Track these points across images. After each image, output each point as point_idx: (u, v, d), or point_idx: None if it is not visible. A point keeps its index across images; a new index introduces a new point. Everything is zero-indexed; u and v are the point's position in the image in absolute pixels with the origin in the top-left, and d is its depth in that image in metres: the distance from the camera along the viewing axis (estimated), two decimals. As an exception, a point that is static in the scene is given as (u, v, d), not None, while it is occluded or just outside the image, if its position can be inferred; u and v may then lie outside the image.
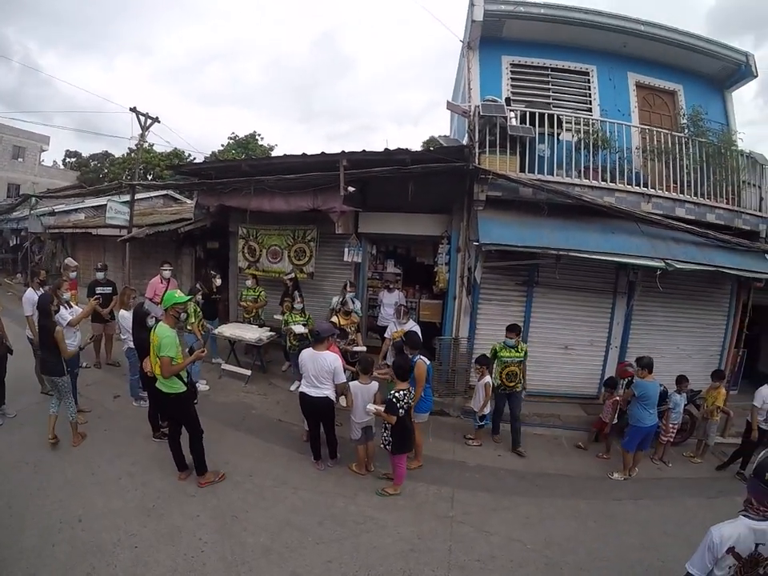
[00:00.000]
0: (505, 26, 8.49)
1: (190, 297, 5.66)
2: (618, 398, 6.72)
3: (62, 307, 5.92)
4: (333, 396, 5.33)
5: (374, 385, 5.41)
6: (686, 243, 7.47)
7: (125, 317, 6.62)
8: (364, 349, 7.25)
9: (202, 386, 7.62)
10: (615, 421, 6.68)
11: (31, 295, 6.80)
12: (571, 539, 4.60)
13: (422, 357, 5.71)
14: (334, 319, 7.20)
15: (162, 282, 8.56)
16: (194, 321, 7.47)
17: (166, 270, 8.63)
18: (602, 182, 7.49)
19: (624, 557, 4.39)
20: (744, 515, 2.48)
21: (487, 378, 6.42)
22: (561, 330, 7.94)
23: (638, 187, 7.60)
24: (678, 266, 6.89)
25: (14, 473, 4.98)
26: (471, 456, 6.28)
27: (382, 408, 4.97)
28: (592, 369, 8.05)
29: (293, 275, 8.86)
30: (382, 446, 5.14)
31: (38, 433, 5.76)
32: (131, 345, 6.47)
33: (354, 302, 7.81)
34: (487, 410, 6.51)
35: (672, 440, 6.64)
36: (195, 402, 5.01)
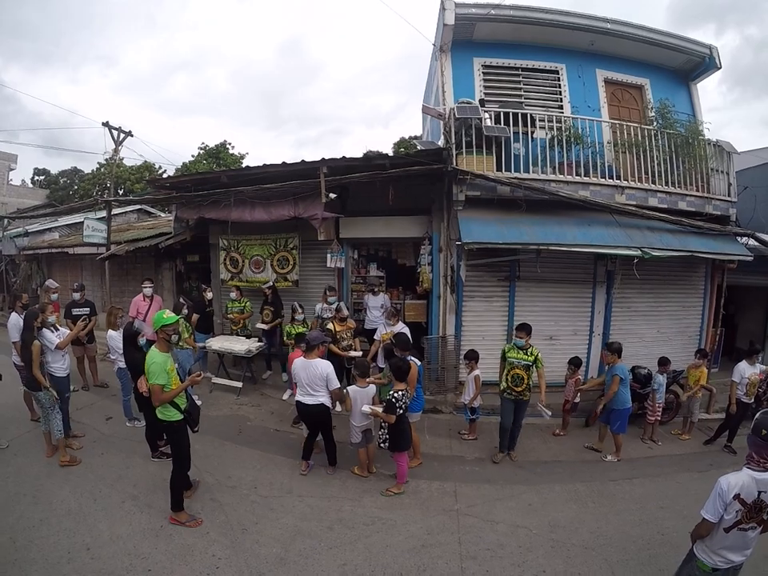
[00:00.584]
0: (476, 28, 8.66)
1: (179, 316, 5.42)
2: (579, 377, 7.11)
3: (47, 330, 5.82)
4: (328, 402, 5.33)
5: (372, 388, 5.47)
6: (660, 231, 7.75)
7: (113, 337, 6.47)
8: (360, 354, 7.23)
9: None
10: (578, 400, 7.07)
11: (16, 320, 6.59)
12: (574, 521, 4.77)
13: (412, 358, 5.73)
14: (330, 326, 7.22)
15: (144, 300, 8.42)
16: (186, 335, 7.39)
17: (147, 287, 8.47)
18: (577, 177, 7.74)
19: (625, 533, 4.57)
20: (747, 467, 2.78)
21: (476, 371, 6.46)
22: (544, 321, 8.05)
23: (611, 180, 7.84)
24: (654, 254, 7.17)
25: (13, 505, 4.84)
26: (468, 450, 6.38)
27: (379, 409, 5.04)
28: None
29: (271, 284, 8.83)
30: (379, 445, 5.21)
31: (33, 462, 5.68)
32: (121, 365, 6.33)
33: (345, 308, 7.86)
34: (477, 403, 6.54)
35: (659, 419, 6.92)
36: (196, 429, 4.71)
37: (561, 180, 7.65)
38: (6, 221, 16.50)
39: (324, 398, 5.30)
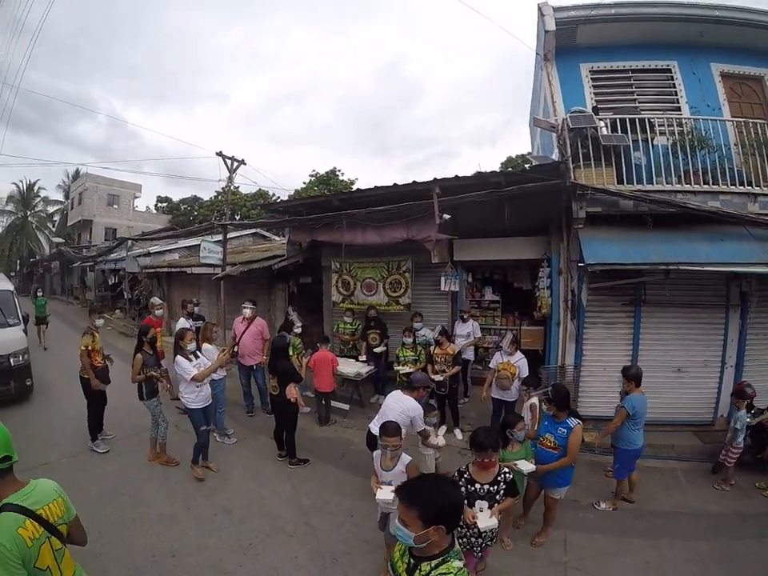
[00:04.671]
0: (578, 32, 8.33)
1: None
2: None
3: (183, 359, 5.75)
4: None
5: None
6: None
7: (209, 350, 6.80)
8: (442, 378, 7.11)
9: (304, 410, 7.76)
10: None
11: (183, 323, 8.11)
12: (694, 586, 4.25)
13: (572, 417, 4.66)
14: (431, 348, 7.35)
15: (242, 322, 8.37)
16: (293, 354, 7.55)
17: (246, 307, 8.36)
18: (705, 186, 7.11)
19: (751, 606, 3.98)
20: None
21: (533, 400, 5.84)
22: (672, 351, 7.43)
23: (741, 187, 7.13)
24: None
25: (109, 502, 5.16)
26: (583, 494, 5.70)
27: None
28: (706, 392, 7.48)
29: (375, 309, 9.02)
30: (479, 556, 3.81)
31: (136, 463, 6.14)
32: (214, 377, 6.71)
33: (425, 333, 8.13)
34: None
35: (732, 464, 5.99)
36: None
37: (687, 190, 7.07)
38: (129, 242, 18.02)
39: None
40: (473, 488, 3.61)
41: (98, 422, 6.76)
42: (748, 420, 6.08)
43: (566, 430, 4.50)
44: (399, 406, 5.04)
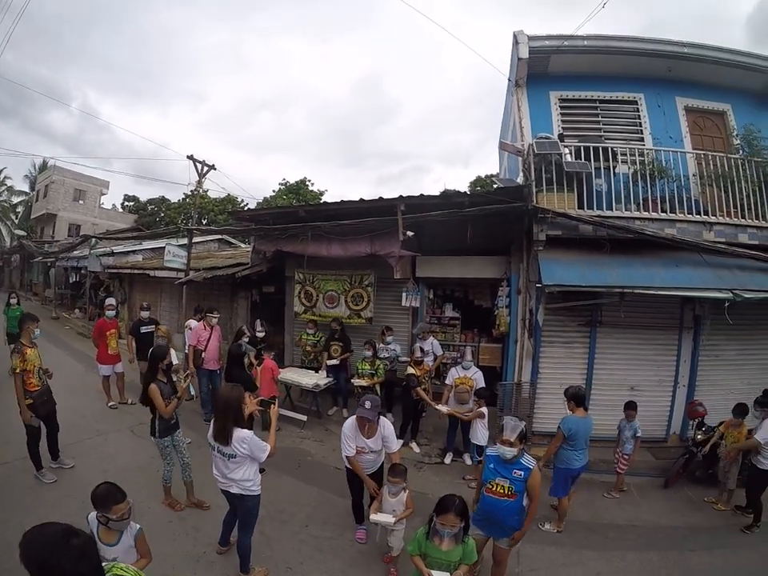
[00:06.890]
0: (551, 61, 8.59)
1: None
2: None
3: (250, 432, 4.09)
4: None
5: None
6: (751, 270, 7.18)
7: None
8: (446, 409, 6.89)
9: None
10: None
11: (195, 325, 8.55)
12: (644, 596, 4.32)
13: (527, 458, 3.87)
14: (411, 370, 7.22)
15: (205, 329, 8.30)
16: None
17: (214, 317, 8.38)
18: (662, 214, 7.38)
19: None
20: None
21: (483, 409, 6.25)
22: (627, 370, 7.65)
23: (698, 216, 7.42)
24: (747, 296, 6.58)
25: (61, 507, 4.99)
26: (539, 507, 5.63)
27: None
28: (659, 410, 7.71)
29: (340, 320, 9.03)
30: None
31: (90, 470, 5.91)
32: None
33: (395, 348, 8.24)
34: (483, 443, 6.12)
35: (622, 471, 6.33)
36: None
37: (645, 217, 7.32)
38: (93, 240, 17.60)
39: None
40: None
41: (37, 452, 5.73)
42: (699, 437, 6.52)
43: (523, 473, 3.75)
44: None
